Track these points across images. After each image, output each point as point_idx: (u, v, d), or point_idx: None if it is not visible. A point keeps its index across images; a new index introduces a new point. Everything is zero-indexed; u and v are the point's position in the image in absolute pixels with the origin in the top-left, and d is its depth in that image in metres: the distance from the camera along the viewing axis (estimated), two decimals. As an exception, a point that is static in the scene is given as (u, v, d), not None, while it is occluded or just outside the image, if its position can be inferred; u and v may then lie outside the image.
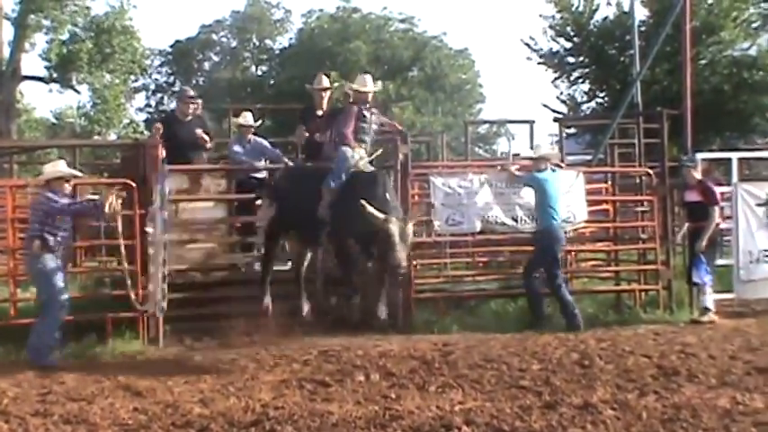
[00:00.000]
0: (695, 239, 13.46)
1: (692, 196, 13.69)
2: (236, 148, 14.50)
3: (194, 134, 14.22)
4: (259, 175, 14.34)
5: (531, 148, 14.00)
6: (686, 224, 13.94)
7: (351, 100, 12.78)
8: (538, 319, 13.03)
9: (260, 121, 14.83)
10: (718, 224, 13.45)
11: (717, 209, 13.38)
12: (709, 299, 13.31)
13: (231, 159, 14.61)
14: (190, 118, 14.41)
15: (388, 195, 11.28)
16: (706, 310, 13.22)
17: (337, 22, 43.70)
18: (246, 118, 14.71)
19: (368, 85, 12.64)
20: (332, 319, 13.76)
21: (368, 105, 12.52)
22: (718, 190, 13.75)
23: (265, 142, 14.75)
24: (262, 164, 14.47)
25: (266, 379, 9.88)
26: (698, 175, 13.74)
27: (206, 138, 14.35)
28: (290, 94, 14.88)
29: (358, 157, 11.97)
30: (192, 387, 9.60)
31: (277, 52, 51.23)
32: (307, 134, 14.37)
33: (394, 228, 10.56)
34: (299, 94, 14.74)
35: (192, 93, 15.23)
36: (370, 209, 10.58)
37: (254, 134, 14.80)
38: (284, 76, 42.46)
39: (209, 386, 9.61)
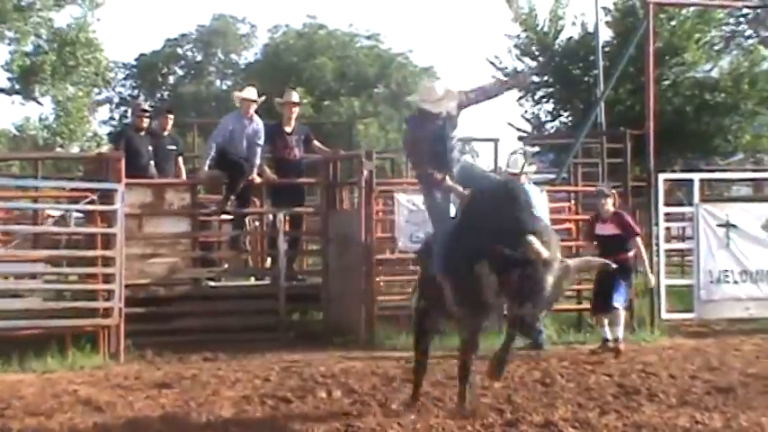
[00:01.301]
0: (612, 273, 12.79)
1: (607, 229, 12.79)
2: (217, 138, 14.33)
3: (148, 147, 14.15)
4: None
5: (508, 164, 13.94)
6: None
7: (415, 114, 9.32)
8: (538, 337, 12.90)
9: (263, 97, 14.61)
10: (633, 254, 13.02)
11: (639, 238, 13.00)
12: (622, 329, 12.91)
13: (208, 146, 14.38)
14: (143, 133, 14.33)
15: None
16: (606, 341, 12.72)
17: (303, 38, 43.72)
18: (250, 91, 14.51)
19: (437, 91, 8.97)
20: (294, 335, 13.79)
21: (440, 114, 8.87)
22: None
23: (262, 132, 14.36)
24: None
25: (228, 395, 9.82)
26: (611, 207, 12.95)
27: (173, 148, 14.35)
28: (256, 110, 14.88)
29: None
30: (153, 402, 9.53)
31: (242, 67, 51.16)
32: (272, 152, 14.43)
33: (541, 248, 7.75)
34: (264, 110, 14.67)
35: (144, 105, 15.18)
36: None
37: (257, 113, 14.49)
38: (249, 91, 42.48)
39: (170, 401, 9.55)
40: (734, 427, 8.15)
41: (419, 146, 9.00)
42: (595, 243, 12.94)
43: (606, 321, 12.72)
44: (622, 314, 12.68)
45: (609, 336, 12.62)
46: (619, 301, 12.60)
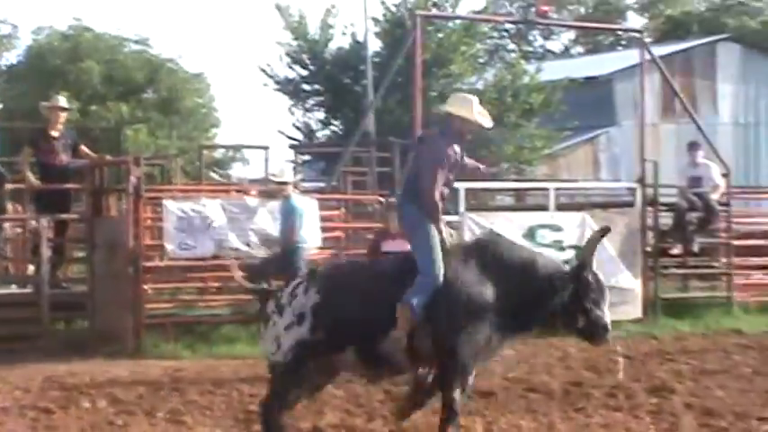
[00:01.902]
0: None
1: (397, 246, 10.46)
2: None
3: None
4: None
5: (273, 173, 14.00)
6: None
7: (449, 128, 8.46)
8: None
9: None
10: None
11: None
12: None
13: None
14: None
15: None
16: None
17: (68, 41, 42.56)
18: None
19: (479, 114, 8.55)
20: (58, 344, 13.41)
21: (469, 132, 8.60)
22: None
23: None
24: None
25: (-15, 407, 9.47)
26: None
27: None
28: (18, 113, 14.42)
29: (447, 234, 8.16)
30: None
31: (3, 69, 49.47)
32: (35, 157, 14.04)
33: (593, 275, 7.92)
34: (27, 113, 14.24)
35: None
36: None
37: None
38: (11, 93, 41.06)
39: None
40: (494, 431, 8.38)
41: (436, 168, 8.10)
42: None
43: None
44: None
45: None
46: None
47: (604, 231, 8.28)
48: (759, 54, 37.87)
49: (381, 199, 15.25)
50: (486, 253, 8.03)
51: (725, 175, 16.94)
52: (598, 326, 7.89)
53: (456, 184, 15.60)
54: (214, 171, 36.96)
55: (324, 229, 14.35)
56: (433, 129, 8.75)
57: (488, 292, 7.77)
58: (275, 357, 7.80)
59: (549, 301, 7.85)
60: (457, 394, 7.82)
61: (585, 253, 8.16)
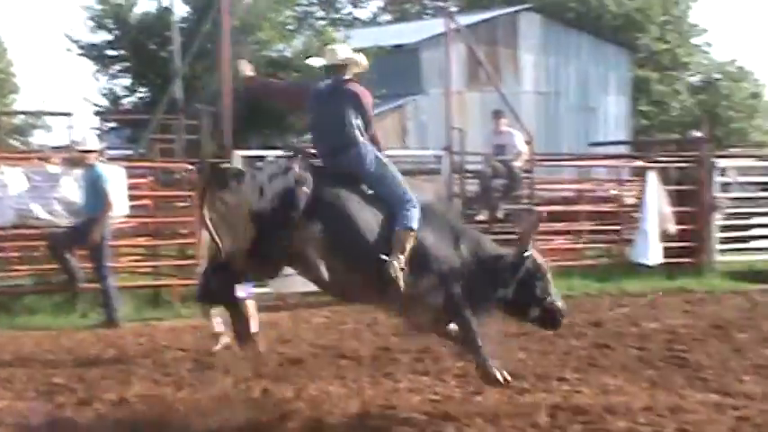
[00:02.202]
0: None
1: None
2: None
3: None
4: None
5: (76, 141, 13.73)
6: None
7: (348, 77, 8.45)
8: (113, 314, 12.71)
9: None
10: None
11: None
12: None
13: None
14: None
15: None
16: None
17: None
18: None
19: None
20: None
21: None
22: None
23: None
24: None
25: None
26: None
27: None
28: None
29: None
30: None
31: None
32: None
33: (533, 261, 8.35)
34: None
35: None
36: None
37: None
38: None
39: None
40: (304, 397, 8.43)
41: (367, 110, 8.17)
42: None
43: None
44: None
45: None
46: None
47: (539, 216, 8.57)
48: (559, 25, 38.94)
49: (189, 166, 15.09)
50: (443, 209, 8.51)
51: (528, 143, 17.37)
52: (556, 313, 8.22)
53: (265, 152, 15.73)
54: (14, 138, 35.91)
55: (131, 198, 14.11)
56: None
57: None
58: (260, 204, 7.55)
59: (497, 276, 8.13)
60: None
61: (523, 241, 8.36)
